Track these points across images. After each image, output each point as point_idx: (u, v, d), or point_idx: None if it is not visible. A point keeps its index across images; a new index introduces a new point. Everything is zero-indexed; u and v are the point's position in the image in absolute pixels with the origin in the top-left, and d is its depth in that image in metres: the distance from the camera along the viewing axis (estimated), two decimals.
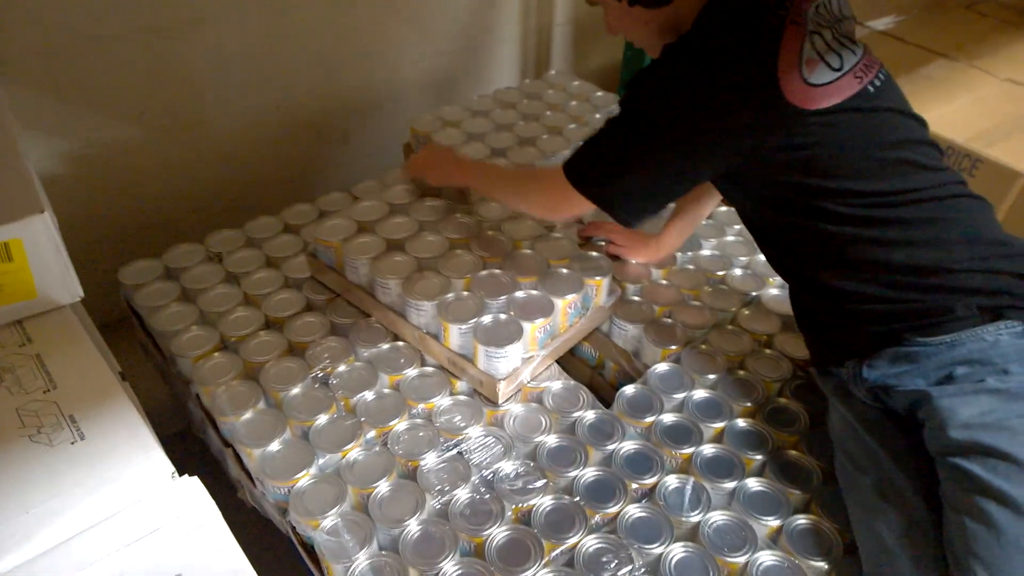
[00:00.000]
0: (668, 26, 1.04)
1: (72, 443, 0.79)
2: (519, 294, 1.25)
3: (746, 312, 1.39)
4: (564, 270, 1.29)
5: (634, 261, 1.45)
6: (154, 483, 0.74)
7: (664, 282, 1.44)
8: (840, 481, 1.04)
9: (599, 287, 1.31)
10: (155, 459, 0.76)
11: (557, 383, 1.25)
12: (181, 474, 0.82)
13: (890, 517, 0.90)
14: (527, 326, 1.19)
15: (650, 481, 1.09)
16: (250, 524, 1.17)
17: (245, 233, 1.50)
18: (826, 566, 1.00)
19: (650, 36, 1.08)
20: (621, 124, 1.03)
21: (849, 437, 1.03)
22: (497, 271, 1.29)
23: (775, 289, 1.44)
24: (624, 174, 1.03)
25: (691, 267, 1.48)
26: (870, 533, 0.93)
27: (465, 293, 1.25)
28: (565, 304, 1.24)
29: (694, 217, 1.43)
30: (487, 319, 1.20)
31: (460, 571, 0.98)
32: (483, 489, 1.09)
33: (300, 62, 1.73)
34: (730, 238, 1.56)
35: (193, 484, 0.74)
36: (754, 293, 1.43)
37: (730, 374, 1.26)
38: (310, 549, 1.05)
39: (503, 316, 1.21)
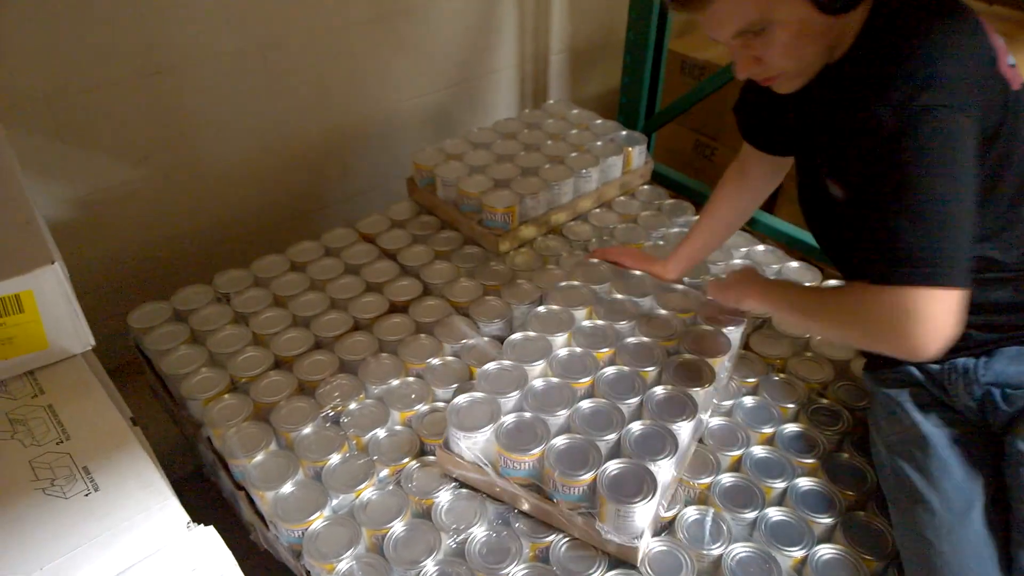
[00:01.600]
0: (834, 41, 0.93)
1: (86, 495, 0.78)
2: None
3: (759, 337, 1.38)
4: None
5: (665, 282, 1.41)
6: (170, 534, 0.73)
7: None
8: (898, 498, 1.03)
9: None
10: (170, 509, 0.75)
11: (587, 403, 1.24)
12: (194, 518, 0.82)
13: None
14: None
15: (670, 514, 1.08)
16: (264, 567, 1.16)
17: (252, 272, 1.50)
18: None
19: (817, 56, 0.94)
20: (910, 201, 0.85)
21: (918, 449, 1.01)
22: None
23: None
24: (947, 240, 0.85)
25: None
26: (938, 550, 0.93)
27: None
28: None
29: (708, 242, 1.41)
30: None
31: None
32: (500, 526, 1.08)
33: (299, 97, 1.74)
34: (737, 261, 1.56)
35: (209, 534, 0.73)
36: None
37: (747, 397, 1.25)
38: None
39: None
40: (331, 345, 1.35)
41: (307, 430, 1.18)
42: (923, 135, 0.81)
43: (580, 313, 1.33)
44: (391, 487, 1.12)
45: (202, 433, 1.24)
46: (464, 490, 1.12)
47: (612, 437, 1.08)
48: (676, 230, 1.65)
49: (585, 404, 1.13)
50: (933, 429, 1.02)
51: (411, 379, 1.28)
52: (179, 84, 1.54)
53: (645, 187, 1.79)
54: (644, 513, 0.98)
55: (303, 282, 1.48)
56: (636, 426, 1.09)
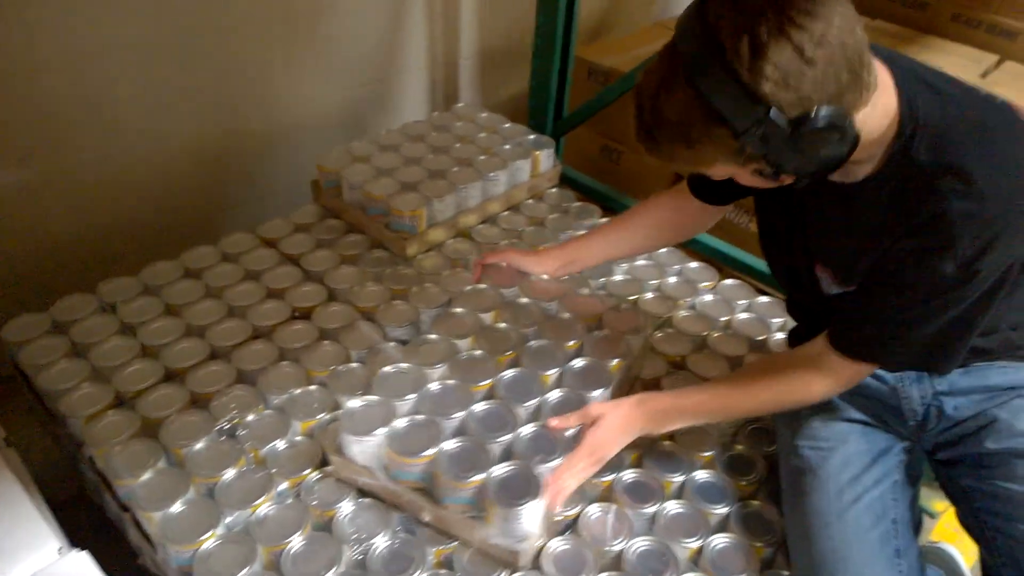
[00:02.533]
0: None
1: None
2: None
3: (659, 334, 1.40)
4: None
5: (534, 274, 1.36)
6: (40, 561, 0.67)
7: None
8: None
9: None
10: (41, 534, 0.69)
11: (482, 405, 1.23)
12: (77, 543, 0.76)
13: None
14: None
15: (572, 512, 1.08)
16: None
17: (141, 280, 1.42)
18: None
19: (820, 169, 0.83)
20: (935, 314, 0.88)
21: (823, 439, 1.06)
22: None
23: (684, 311, 1.47)
24: (946, 348, 0.93)
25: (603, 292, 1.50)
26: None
27: None
28: None
29: (603, 254, 1.36)
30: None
31: None
32: (404, 534, 1.05)
33: (196, 98, 1.67)
34: (640, 262, 1.59)
35: (82, 559, 0.68)
36: (667, 315, 1.45)
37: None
38: None
39: None
40: (228, 355, 1.29)
41: (200, 445, 1.12)
42: (978, 281, 0.83)
43: (487, 316, 1.32)
44: (290, 500, 1.08)
45: (84, 453, 1.16)
46: (366, 499, 1.09)
47: (505, 439, 1.07)
48: (583, 232, 1.66)
49: (479, 407, 1.12)
50: (849, 424, 1.07)
51: (313, 388, 1.24)
52: (60, 83, 1.45)
53: (553, 190, 1.81)
54: (531, 515, 0.97)
55: (198, 289, 1.41)
56: (527, 429, 1.09)
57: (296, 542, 1.02)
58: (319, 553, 1.01)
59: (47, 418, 1.27)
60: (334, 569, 0.99)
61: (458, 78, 2.24)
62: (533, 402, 1.13)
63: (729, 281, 1.58)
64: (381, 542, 1.03)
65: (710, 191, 1.20)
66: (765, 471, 1.18)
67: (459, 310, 1.32)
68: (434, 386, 1.14)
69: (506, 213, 1.71)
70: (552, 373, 1.20)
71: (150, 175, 1.67)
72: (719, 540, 1.06)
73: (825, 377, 0.97)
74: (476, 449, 1.05)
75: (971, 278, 0.83)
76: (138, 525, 1.09)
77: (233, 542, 1.01)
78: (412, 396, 1.11)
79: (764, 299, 1.53)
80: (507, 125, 1.84)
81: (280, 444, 1.14)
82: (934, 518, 1.44)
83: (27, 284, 1.56)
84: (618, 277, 1.54)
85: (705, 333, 1.41)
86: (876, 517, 0.98)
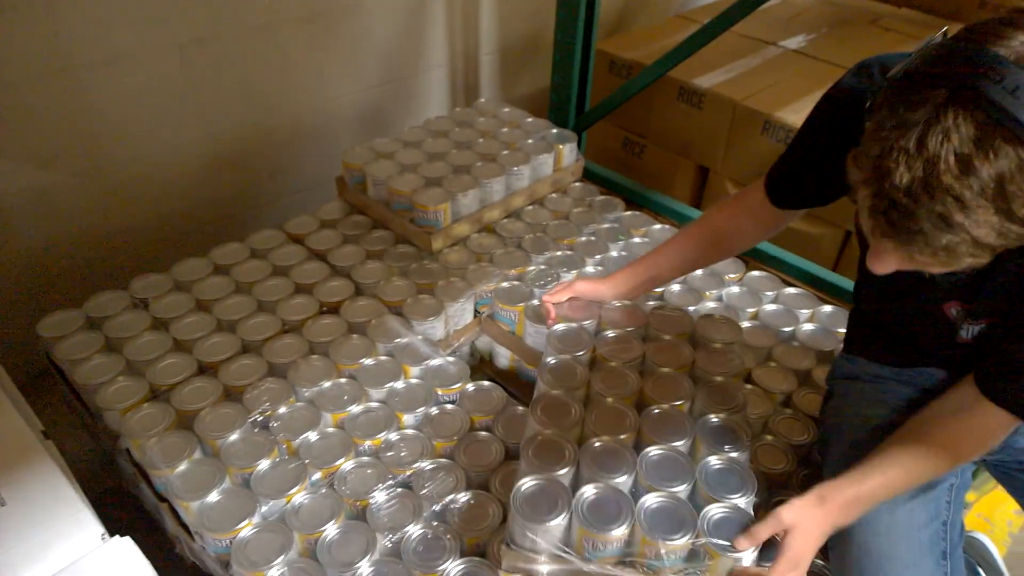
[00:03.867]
0: None
1: None
2: None
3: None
4: None
5: (609, 302, 1.28)
6: (84, 547, 0.69)
7: None
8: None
9: None
10: (84, 521, 0.71)
11: (506, 411, 1.23)
12: (113, 534, 0.77)
13: None
14: None
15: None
16: None
17: (172, 277, 1.44)
18: None
19: None
20: None
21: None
22: None
23: (712, 303, 1.47)
24: None
25: None
26: None
27: None
28: None
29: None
30: None
31: None
32: (435, 523, 1.06)
33: (224, 97, 1.69)
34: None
35: (125, 545, 0.69)
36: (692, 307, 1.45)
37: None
38: None
39: None
40: (259, 349, 1.30)
41: (234, 436, 1.14)
42: None
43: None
44: (324, 490, 1.09)
45: (120, 445, 1.18)
46: (400, 489, 1.10)
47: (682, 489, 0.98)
48: (606, 226, 1.66)
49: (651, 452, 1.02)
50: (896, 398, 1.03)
51: (343, 380, 1.25)
52: (92, 84, 1.47)
53: (576, 184, 1.81)
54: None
55: (228, 285, 1.43)
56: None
57: (331, 530, 1.03)
58: (353, 541, 1.02)
59: (83, 412, 1.29)
60: (368, 556, 1.00)
61: (479, 73, 2.25)
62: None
63: (756, 273, 1.57)
64: (414, 530, 1.04)
65: (793, 194, 1.07)
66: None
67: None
68: (595, 443, 1.03)
69: (530, 207, 1.71)
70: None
71: (178, 174, 1.70)
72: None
73: (987, 423, 0.88)
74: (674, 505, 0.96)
75: None
76: (175, 514, 1.11)
77: (269, 530, 1.03)
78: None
79: (792, 291, 1.52)
80: (529, 120, 1.85)
81: (312, 436, 1.16)
82: (966, 508, 1.43)
83: (60, 282, 1.59)
84: None
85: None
86: (929, 517, 0.95)
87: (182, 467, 1.09)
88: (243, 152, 1.79)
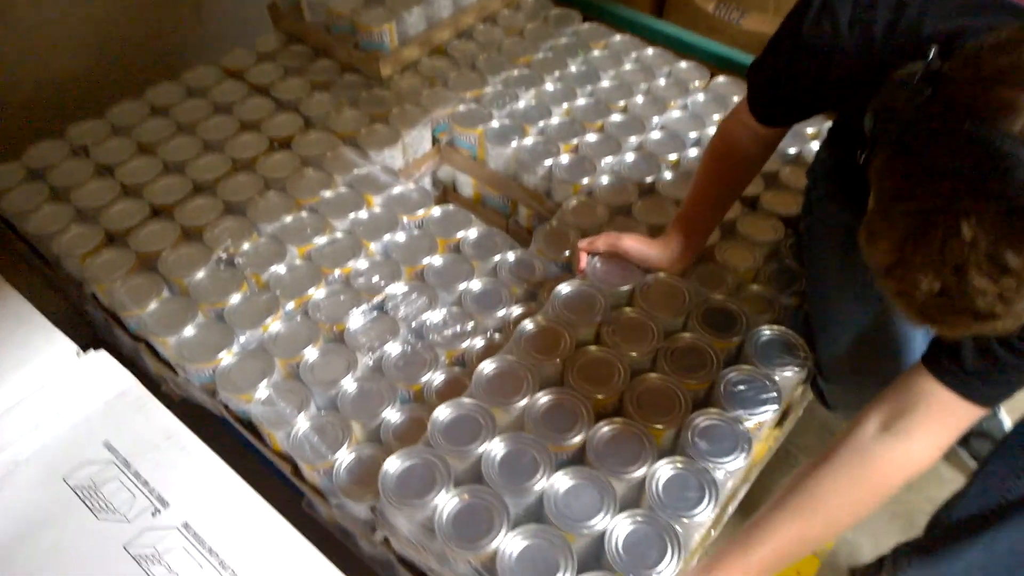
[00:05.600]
0: None
1: None
2: None
3: (656, 136, 1.38)
4: None
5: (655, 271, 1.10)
6: (60, 363, 0.69)
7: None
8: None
9: None
10: (56, 340, 0.70)
11: (472, 230, 1.23)
12: None
13: None
14: None
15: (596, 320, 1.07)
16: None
17: (108, 121, 1.36)
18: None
19: None
20: None
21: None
22: None
23: (678, 112, 1.44)
24: None
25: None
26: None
27: None
28: None
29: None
30: None
31: (402, 416, 0.99)
32: (413, 340, 1.08)
33: None
34: (628, 67, 1.53)
35: (102, 357, 0.70)
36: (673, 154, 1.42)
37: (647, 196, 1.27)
38: (248, 424, 1.04)
39: None
40: (212, 188, 1.26)
41: (200, 274, 1.13)
42: None
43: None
44: (299, 318, 1.10)
45: (86, 291, 1.16)
46: (376, 312, 1.11)
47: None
48: (564, 40, 1.59)
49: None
50: None
51: (304, 214, 1.23)
52: None
53: None
54: None
55: (169, 126, 1.36)
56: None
57: (311, 353, 1.05)
58: (334, 362, 1.05)
59: (42, 265, 1.25)
60: (351, 373, 1.03)
61: None
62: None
63: (721, 79, 1.53)
64: (393, 348, 1.06)
65: (775, 116, 0.96)
66: None
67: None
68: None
69: (482, 26, 1.62)
70: None
71: (98, 12, 1.55)
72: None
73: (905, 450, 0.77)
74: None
75: None
76: (154, 353, 1.12)
77: (250, 358, 1.04)
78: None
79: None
80: None
81: (280, 268, 1.15)
82: None
83: None
84: (605, 83, 1.49)
85: (697, 135, 1.39)
86: None
87: (152, 306, 1.09)
88: None
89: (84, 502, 0.59)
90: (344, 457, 0.95)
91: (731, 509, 0.98)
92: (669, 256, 1.07)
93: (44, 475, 0.60)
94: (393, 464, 0.84)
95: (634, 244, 1.07)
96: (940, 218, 0.51)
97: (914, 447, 0.76)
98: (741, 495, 1.00)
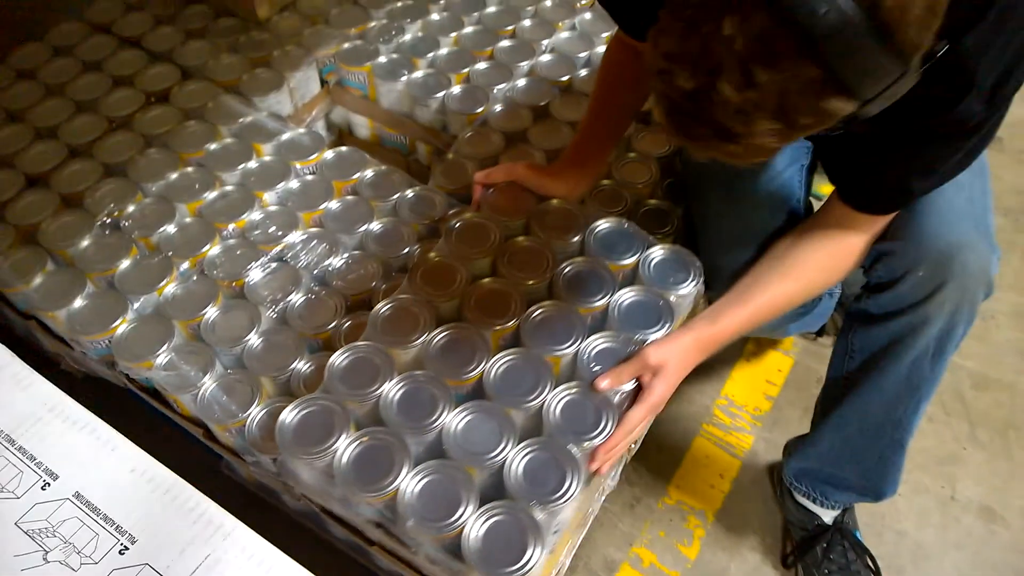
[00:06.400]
0: None
1: None
2: None
3: (546, 58, 1.37)
4: None
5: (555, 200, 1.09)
6: None
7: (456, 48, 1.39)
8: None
9: None
10: None
11: (368, 171, 1.21)
12: None
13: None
14: None
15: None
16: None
17: None
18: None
19: None
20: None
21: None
22: None
23: (566, 33, 1.43)
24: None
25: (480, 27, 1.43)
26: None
27: None
28: None
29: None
30: None
31: (311, 365, 0.99)
32: (317, 287, 1.08)
33: None
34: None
35: None
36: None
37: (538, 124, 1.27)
38: (153, 392, 1.02)
39: None
40: (88, 151, 1.20)
41: (85, 242, 1.09)
42: (1003, 109, 0.72)
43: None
44: (195, 278, 1.07)
45: None
46: (274, 263, 1.10)
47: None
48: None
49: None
50: None
51: (190, 170, 1.19)
52: None
53: None
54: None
55: (36, 90, 1.28)
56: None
57: (211, 312, 1.03)
58: (237, 317, 1.03)
59: None
60: (255, 329, 1.02)
61: None
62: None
63: (587, 15, 1.51)
64: (296, 298, 1.06)
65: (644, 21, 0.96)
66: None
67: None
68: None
69: None
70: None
71: None
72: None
73: (862, 235, 0.87)
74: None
75: (998, 107, 0.71)
76: (46, 329, 1.08)
77: (147, 323, 1.02)
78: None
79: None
80: None
81: (170, 228, 1.12)
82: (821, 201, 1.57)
83: None
84: (491, 9, 1.46)
85: (586, 54, 1.39)
86: (784, 198, 1.00)
87: (37, 280, 1.05)
88: None
89: None
90: (255, 413, 0.95)
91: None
92: (566, 184, 1.08)
93: None
94: (290, 414, 0.85)
95: (530, 173, 1.07)
96: (711, 17, 0.52)
97: (865, 241, 0.88)
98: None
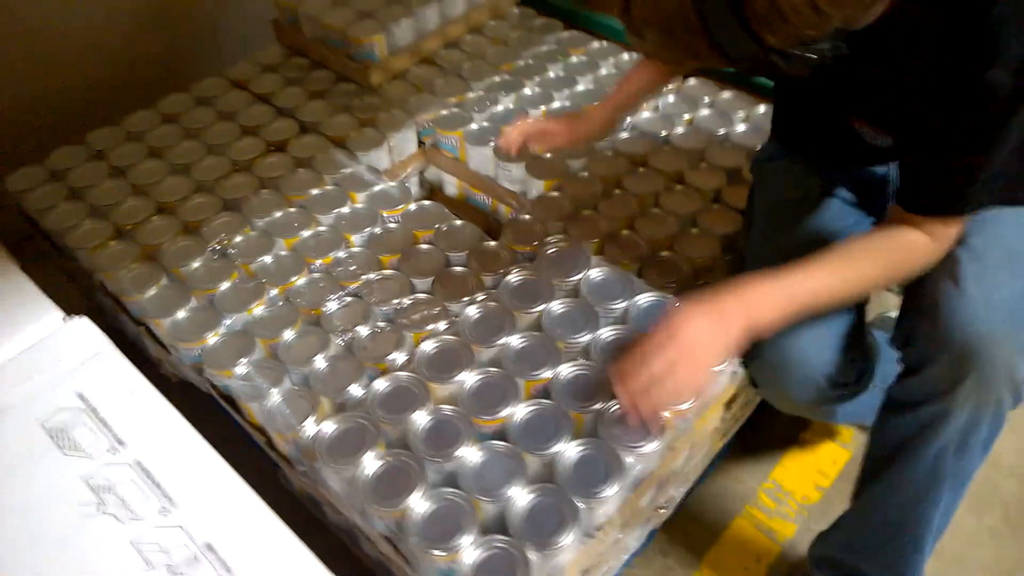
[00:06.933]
0: None
1: None
2: None
3: (624, 135, 1.46)
4: None
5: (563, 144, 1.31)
6: (49, 327, 0.80)
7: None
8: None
9: None
10: (46, 308, 0.82)
11: (445, 224, 1.32)
12: None
13: None
14: None
15: (537, 309, 1.14)
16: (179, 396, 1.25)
17: (124, 129, 1.50)
18: None
19: None
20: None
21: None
22: None
23: (648, 113, 1.52)
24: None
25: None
26: None
27: None
28: None
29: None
30: None
31: (363, 393, 1.08)
32: (383, 324, 1.18)
33: None
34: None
35: (84, 323, 0.81)
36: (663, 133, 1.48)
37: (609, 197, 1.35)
38: (229, 400, 1.15)
39: None
40: (212, 188, 1.39)
41: (196, 264, 1.25)
42: None
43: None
44: (281, 303, 1.21)
45: (96, 280, 1.30)
46: (349, 298, 1.21)
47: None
48: (545, 48, 1.68)
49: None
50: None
51: (293, 210, 1.34)
52: None
53: (515, 10, 1.80)
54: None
55: (177, 133, 1.50)
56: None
57: (289, 335, 1.16)
58: (309, 342, 1.15)
59: (59, 257, 1.40)
60: (323, 353, 1.13)
61: None
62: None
63: (692, 82, 1.60)
64: (363, 331, 1.16)
65: None
66: None
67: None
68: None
69: (469, 36, 1.72)
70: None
71: (107, 32, 1.70)
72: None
73: (935, 243, 0.86)
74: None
75: None
76: (152, 336, 1.24)
77: (235, 338, 1.15)
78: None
79: (727, 95, 1.56)
80: None
81: (267, 259, 1.26)
82: None
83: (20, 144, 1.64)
84: (581, 87, 1.58)
85: (665, 133, 1.47)
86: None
87: (151, 292, 1.21)
88: (173, 9, 1.78)
89: (55, 441, 0.70)
90: (311, 428, 1.05)
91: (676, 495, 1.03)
92: (588, 129, 1.27)
93: (25, 419, 0.71)
94: (329, 426, 0.94)
95: (553, 124, 1.27)
96: None
97: (929, 245, 0.86)
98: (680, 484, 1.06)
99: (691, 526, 1.26)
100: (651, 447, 0.91)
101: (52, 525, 0.64)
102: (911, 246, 0.86)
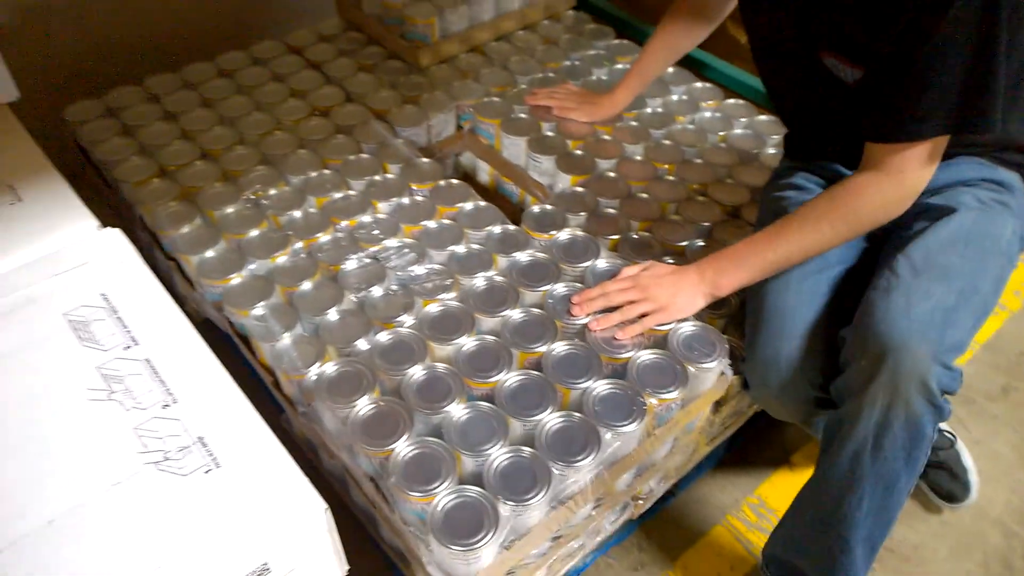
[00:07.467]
0: None
1: (11, 204, 0.91)
2: None
3: (667, 141, 1.49)
4: None
5: (583, 120, 1.52)
6: (82, 233, 0.86)
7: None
8: None
9: None
10: (83, 215, 0.88)
11: (470, 203, 1.37)
12: None
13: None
14: None
15: (542, 288, 1.19)
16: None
17: (181, 77, 1.58)
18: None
19: None
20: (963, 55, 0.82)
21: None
22: None
23: (684, 126, 1.55)
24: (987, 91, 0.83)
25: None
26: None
27: None
28: None
29: (647, 77, 1.48)
30: None
31: (368, 348, 1.13)
32: (396, 288, 1.23)
33: None
34: (673, 97, 1.64)
35: (116, 233, 0.87)
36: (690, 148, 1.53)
37: (631, 198, 1.38)
38: (244, 338, 1.20)
39: None
40: (255, 142, 1.45)
41: (230, 209, 1.31)
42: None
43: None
44: (304, 256, 1.26)
45: (135, 213, 1.37)
46: (368, 260, 1.26)
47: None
48: (593, 52, 1.72)
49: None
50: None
51: (327, 171, 1.40)
52: None
53: (570, 12, 1.85)
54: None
55: (231, 87, 1.57)
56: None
57: (307, 286, 1.21)
58: (325, 295, 1.20)
59: (105, 188, 1.47)
60: (336, 306, 1.18)
61: None
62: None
63: (731, 101, 1.63)
64: (377, 291, 1.21)
65: None
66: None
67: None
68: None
69: (522, 32, 1.77)
70: None
71: None
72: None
73: (885, 176, 0.91)
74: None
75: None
76: (181, 271, 1.30)
77: (256, 281, 1.21)
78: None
79: (764, 118, 1.58)
80: None
81: (297, 213, 1.32)
82: None
83: (81, 82, 1.73)
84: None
85: (697, 149, 1.49)
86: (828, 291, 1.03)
87: (185, 229, 1.27)
88: None
89: (76, 332, 0.76)
90: (315, 371, 1.10)
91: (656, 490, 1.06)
92: (609, 114, 1.51)
93: (50, 308, 0.77)
94: (330, 367, 0.99)
95: (576, 105, 1.50)
96: None
97: (891, 185, 0.92)
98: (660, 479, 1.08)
99: (671, 526, 1.28)
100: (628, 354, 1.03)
101: (63, 403, 0.69)
102: (856, 188, 0.94)
